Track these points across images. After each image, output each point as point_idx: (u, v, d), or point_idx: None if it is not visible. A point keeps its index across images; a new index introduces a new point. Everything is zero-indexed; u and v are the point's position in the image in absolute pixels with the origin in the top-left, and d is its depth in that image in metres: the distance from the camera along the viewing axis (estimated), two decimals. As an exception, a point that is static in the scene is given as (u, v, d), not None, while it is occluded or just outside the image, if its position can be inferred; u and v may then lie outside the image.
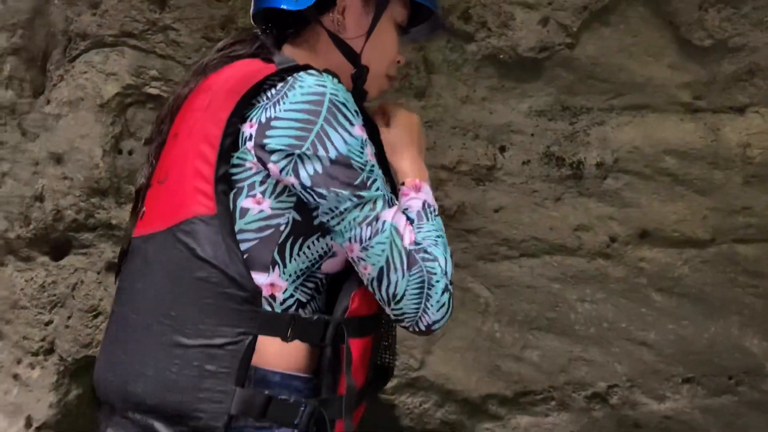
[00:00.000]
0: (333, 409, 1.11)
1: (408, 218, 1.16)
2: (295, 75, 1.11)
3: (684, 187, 2.25)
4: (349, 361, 1.11)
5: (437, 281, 1.10)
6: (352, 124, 1.10)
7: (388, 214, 1.11)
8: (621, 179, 2.26)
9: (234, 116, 1.10)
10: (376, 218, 1.09)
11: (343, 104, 1.09)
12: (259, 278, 1.09)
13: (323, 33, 1.25)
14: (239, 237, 1.09)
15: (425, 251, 1.12)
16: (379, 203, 1.10)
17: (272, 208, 1.10)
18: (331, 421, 1.11)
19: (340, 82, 1.14)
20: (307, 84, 1.09)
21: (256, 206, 1.10)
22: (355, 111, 1.11)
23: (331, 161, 1.08)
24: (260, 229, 1.10)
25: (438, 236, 1.15)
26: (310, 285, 1.17)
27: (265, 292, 1.09)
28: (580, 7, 2.13)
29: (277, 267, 1.11)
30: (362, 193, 1.09)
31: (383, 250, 1.09)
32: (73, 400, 2.23)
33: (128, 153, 2.23)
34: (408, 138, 1.26)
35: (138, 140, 2.23)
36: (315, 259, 1.15)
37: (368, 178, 1.10)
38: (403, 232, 1.11)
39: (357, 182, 1.09)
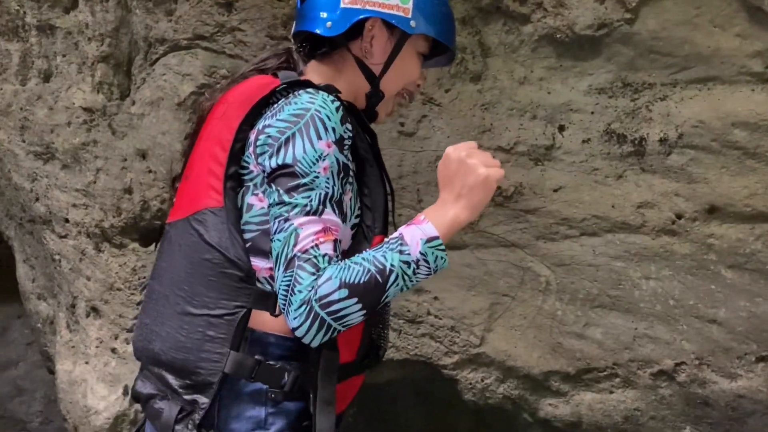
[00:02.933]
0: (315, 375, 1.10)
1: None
2: (296, 92, 1.12)
3: (755, 160, 1.81)
4: None
5: (299, 291, 1.02)
6: (319, 138, 1.07)
7: (299, 220, 1.05)
8: (686, 155, 1.84)
9: (244, 124, 1.12)
10: (286, 219, 1.06)
11: (322, 120, 1.08)
12: (260, 263, 1.11)
13: (349, 57, 1.25)
14: (245, 228, 1.12)
15: (312, 263, 1.03)
16: (297, 209, 1.06)
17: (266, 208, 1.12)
18: (314, 386, 1.09)
19: (337, 98, 1.11)
20: (300, 100, 1.10)
21: (258, 203, 1.12)
22: (333, 128, 1.08)
23: (283, 164, 1.08)
24: (261, 223, 1.12)
25: (363, 265, 1.04)
26: None
27: (266, 274, 1.12)
28: (638, -20, 1.71)
29: None
30: (285, 198, 1.07)
31: (278, 246, 1.06)
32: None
33: (204, 147, 2.03)
34: (442, 178, 1.15)
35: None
36: None
37: (303, 186, 1.06)
38: (300, 239, 1.04)
39: (289, 185, 1.07)
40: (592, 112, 1.89)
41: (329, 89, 1.13)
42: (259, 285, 1.11)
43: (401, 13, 1.22)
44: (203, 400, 1.06)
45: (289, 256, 1.03)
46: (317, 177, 1.06)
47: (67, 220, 2.07)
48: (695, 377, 1.94)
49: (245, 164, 1.12)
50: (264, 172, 1.10)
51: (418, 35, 1.26)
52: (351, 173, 1.12)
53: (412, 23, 1.23)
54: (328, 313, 1.01)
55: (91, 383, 1.95)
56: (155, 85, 2.02)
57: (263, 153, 1.09)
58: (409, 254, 1.04)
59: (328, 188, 1.07)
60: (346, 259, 1.05)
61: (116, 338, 2.03)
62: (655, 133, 1.85)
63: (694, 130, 1.82)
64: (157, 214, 2.07)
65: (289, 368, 1.10)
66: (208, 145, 1.17)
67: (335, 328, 1.02)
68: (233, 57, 1.98)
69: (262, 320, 1.11)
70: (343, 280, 1.01)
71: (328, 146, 1.07)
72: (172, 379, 1.10)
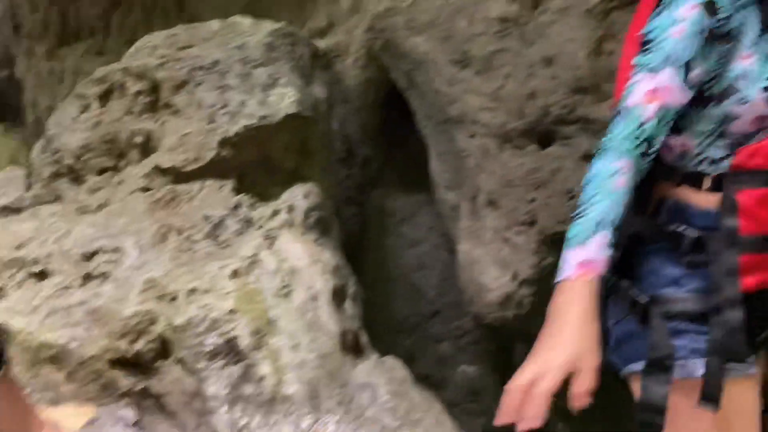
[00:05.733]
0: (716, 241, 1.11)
1: None
2: None
3: None
4: (730, 206, 1.11)
5: (607, 140, 1.13)
6: (681, 5, 1.08)
7: (637, 77, 1.10)
8: None
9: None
10: (632, 77, 1.10)
11: None
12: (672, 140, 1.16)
13: None
14: None
15: (630, 119, 1.10)
16: (640, 68, 1.10)
17: None
18: (714, 253, 1.11)
19: None
20: None
21: None
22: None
23: (644, 32, 1.12)
24: None
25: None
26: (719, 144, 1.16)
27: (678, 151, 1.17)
28: None
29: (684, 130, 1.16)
30: (636, 60, 1.11)
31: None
32: (548, 266, 2.21)
33: (608, 54, 2.02)
34: None
35: (618, 42, 1.99)
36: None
37: (650, 49, 1.09)
38: (631, 94, 1.10)
39: (642, 50, 1.10)
40: None
41: None
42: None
43: None
44: (618, 252, 1.12)
45: (620, 107, 1.09)
46: (666, 39, 1.08)
47: (476, 121, 2.28)
48: None
49: None
50: None
51: None
52: (728, 39, 1.10)
53: None
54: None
55: (486, 264, 2.18)
56: (566, -7, 2.05)
57: None
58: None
59: (676, 50, 1.07)
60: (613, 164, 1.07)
61: (509, 229, 2.21)
62: None
63: None
64: (557, 119, 2.14)
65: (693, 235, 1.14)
66: (629, 42, 1.21)
67: None
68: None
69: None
70: (590, 177, 1.09)
71: (691, 9, 1.08)
72: None
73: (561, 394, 1.04)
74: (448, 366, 2.89)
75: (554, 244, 2.23)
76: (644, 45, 1.10)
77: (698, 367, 1.10)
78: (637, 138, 1.06)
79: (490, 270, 2.19)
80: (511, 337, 2.71)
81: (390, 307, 2.91)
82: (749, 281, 1.12)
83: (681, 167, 1.17)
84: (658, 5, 1.12)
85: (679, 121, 1.12)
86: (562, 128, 2.17)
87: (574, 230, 1.09)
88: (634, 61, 1.11)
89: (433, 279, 2.97)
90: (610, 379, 1.40)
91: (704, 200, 1.14)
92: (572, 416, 1.15)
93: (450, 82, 2.36)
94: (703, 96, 1.12)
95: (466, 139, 2.34)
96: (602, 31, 2.04)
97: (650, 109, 1.06)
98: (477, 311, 2.27)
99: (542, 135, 2.20)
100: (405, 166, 3.07)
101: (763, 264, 1.13)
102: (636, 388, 1.16)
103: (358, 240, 2.87)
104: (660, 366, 1.09)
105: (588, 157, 2.11)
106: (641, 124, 1.06)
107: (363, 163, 2.99)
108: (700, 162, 1.16)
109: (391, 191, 3.08)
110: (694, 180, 1.15)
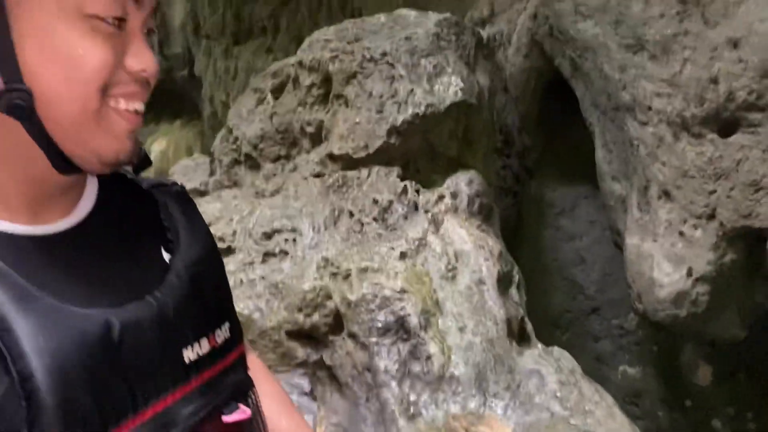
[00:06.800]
0: None
1: None
2: None
3: None
4: None
5: None
6: None
7: None
8: None
9: None
10: None
11: None
12: None
13: None
14: None
15: None
16: None
17: None
18: None
19: None
20: None
21: None
22: None
23: None
24: None
25: None
26: None
27: None
28: None
29: None
30: None
31: None
32: (727, 263, 2.05)
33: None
34: None
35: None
36: None
37: None
38: None
39: None
40: None
41: None
42: None
43: None
44: None
45: None
46: None
47: (649, 108, 2.17)
48: None
49: None
50: None
51: None
52: None
53: None
54: None
55: (658, 259, 2.06)
56: (759, -32, 1.88)
57: None
58: None
59: None
60: None
61: (685, 222, 2.08)
62: None
63: None
64: (742, 105, 1.98)
65: None
66: None
67: None
68: None
69: None
70: None
71: None
72: None
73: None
74: (607, 365, 2.79)
75: (735, 240, 2.07)
76: None
77: None
78: None
79: (663, 265, 2.08)
80: (679, 337, 2.56)
81: (546, 302, 2.85)
82: None
83: None
84: None
85: None
86: (749, 115, 2.00)
87: None
88: None
89: (593, 274, 2.87)
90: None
91: None
92: (743, 428, 1.05)
93: (622, 67, 2.26)
94: None
95: (638, 126, 2.23)
96: (800, 8, 1.85)
97: None
98: (645, 308, 2.16)
99: (725, 122, 2.04)
100: (565, 157, 2.99)
101: None
102: None
103: (513, 231, 2.84)
104: None
105: (778, 147, 1.94)
106: None
107: (521, 153, 2.95)
108: None
109: (549, 182, 3.02)
110: None
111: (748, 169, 2.00)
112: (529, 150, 2.96)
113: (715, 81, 2.03)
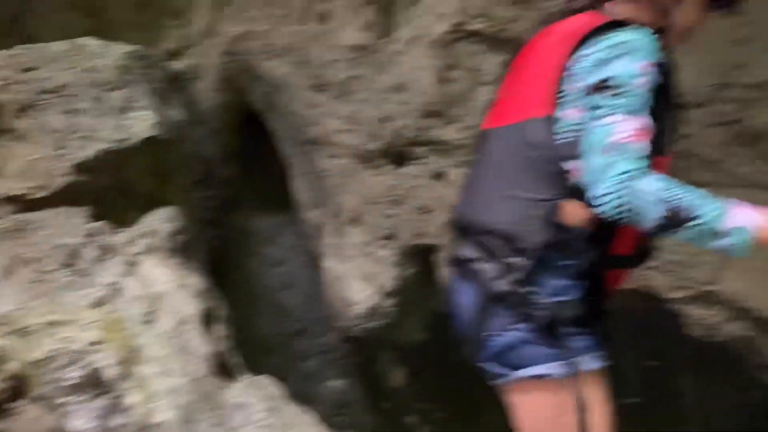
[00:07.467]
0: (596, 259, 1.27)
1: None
2: (616, 29, 1.22)
3: None
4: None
5: (618, 172, 1.13)
6: (640, 60, 1.18)
7: (618, 117, 1.15)
8: None
9: (568, 53, 1.24)
10: (605, 116, 1.17)
11: (643, 47, 1.19)
12: (567, 165, 1.24)
13: None
14: (559, 135, 1.24)
15: (631, 152, 1.14)
16: (617, 109, 1.16)
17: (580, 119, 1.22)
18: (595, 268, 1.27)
19: (653, 33, 1.22)
20: (622, 33, 1.21)
21: (575, 114, 1.22)
22: (652, 54, 1.19)
23: (605, 78, 1.18)
24: (573, 131, 1.22)
25: (685, 191, 1.13)
26: None
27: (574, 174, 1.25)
28: None
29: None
30: (606, 102, 1.17)
31: (595, 137, 1.16)
32: (409, 276, 2.34)
33: (453, 81, 2.19)
34: None
35: (462, 70, 2.17)
36: None
37: (623, 93, 1.16)
38: (618, 131, 1.14)
39: (610, 93, 1.17)
40: None
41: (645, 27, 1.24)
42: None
43: None
44: (525, 262, 1.22)
45: (607, 143, 1.14)
46: (636, 88, 1.16)
47: (335, 143, 2.37)
48: None
49: (564, 87, 1.23)
50: (584, 87, 1.19)
51: None
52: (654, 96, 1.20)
53: None
54: (632, 205, 1.11)
55: (351, 279, 2.26)
56: (413, 25, 2.19)
57: (584, 73, 1.20)
58: (723, 221, 1.11)
59: (644, 100, 1.17)
60: (667, 176, 1.14)
61: (372, 244, 2.31)
62: None
63: None
64: (409, 140, 2.28)
65: (583, 250, 1.25)
66: (534, 68, 1.30)
67: (625, 218, 1.13)
68: (485, -3, 2.08)
69: (567, 211, 1.25)
70: (663, 188, 1.11)
71: (648, 66, 1.18)
72: (495, 246, 1.25)
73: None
74: (315, 382, 2.93)
75: (413, 256, 2.36)
76: (607, 88, 1.17)
77: (591, 361, 1.25)
78: (642, 162, 1.14)
79: (356, 284, 2.28)
80: (374, 346, 2.81)
81: (256, 327, 2.90)
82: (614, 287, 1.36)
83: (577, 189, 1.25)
84: (581, 43, 1.22)
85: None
86: (415, 149, 2.31)
87: (710, 212, 1.12)
88: (599, 102, 1.17)
89: (298, 297, 3.00)
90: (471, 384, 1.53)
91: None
92: (435, 419, 1.23)
93: (309, 105, 2.44)
94: None
95: (326, 159, 2.42)
96: (447, 60, 2.20)
97: (642, 144, 1.14)
98: (344, 324, 2.34)
99: (398, 155, 2.33)
100: (265, 188, 3.09)
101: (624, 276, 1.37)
102: (519, 392, 1.27)
103: (220, 260, 2.84)
104: (571, 365, 1.22)
105: (438, 176, 2.28)
106: (641, 157, 1.14)
107: (222, 185, 2.97)
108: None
109: (252, 212, 3.08)
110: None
111: (418, 195, 2.31)
112: (230, 181, 2.99)
113: (386, 119, 2.31)
